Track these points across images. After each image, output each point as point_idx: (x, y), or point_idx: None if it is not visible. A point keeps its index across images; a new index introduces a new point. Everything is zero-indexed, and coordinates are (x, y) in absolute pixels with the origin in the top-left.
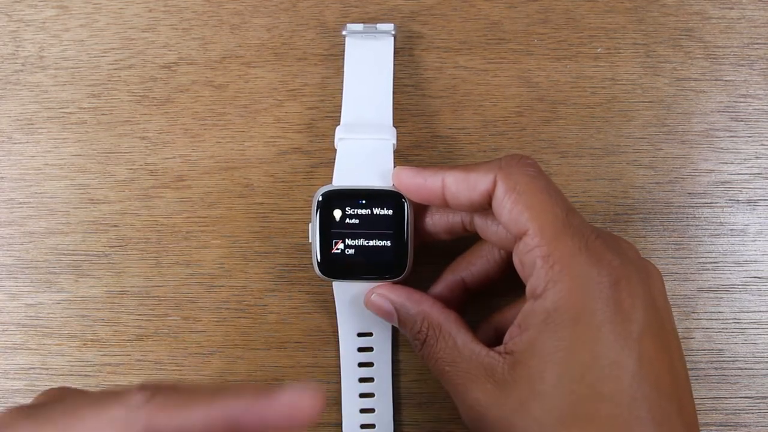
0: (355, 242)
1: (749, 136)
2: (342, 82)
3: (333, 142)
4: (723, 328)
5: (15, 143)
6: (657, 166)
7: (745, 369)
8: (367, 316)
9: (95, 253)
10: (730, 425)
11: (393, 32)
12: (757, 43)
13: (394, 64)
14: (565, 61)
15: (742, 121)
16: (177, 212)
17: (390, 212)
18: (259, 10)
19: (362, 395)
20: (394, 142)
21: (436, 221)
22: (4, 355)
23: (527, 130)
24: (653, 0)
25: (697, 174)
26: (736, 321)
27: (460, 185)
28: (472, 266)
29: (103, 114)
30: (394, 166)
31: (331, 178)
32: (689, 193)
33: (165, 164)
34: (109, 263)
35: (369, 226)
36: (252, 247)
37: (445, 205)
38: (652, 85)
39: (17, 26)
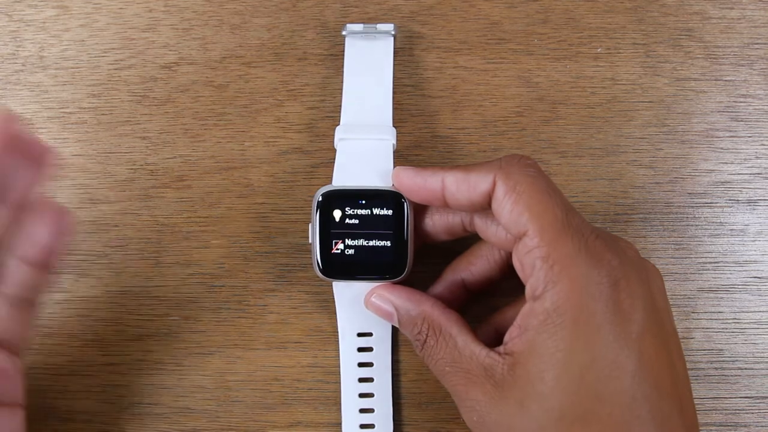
0: (355, 242)
1: (749, 136)
2: (342, 82)
3: (333, 142)
4: (723, 328)
5: None
6: (657, 166)
7: (745, 369)
8: (367, 316)
9: (95, 253)
10: (730, 425)
11: (393, 32)
12: (757, 43)
13: (394, 64)
14: (565, 61)
15: (742, 121)
16: (177, 212)
17: (390, 212)
18: (260, 10)
19: (362, 395)
20: (394, 142)
21: (436, 221)
22: None
23: (527, 130)
24: (653, 0)
25: (697, 174)
26: (736, 321)
27: (460, 185)
28: (472, 266)
29: (103, 114)
30: (394, 167)
31: (331, 178)
32: (689, 193)
33: (165, 164)
34: (110, 263)
35: (369, 227)
36: (252, 247)
37: (444, 205)
38: (652, 85)
39: (17, 26)
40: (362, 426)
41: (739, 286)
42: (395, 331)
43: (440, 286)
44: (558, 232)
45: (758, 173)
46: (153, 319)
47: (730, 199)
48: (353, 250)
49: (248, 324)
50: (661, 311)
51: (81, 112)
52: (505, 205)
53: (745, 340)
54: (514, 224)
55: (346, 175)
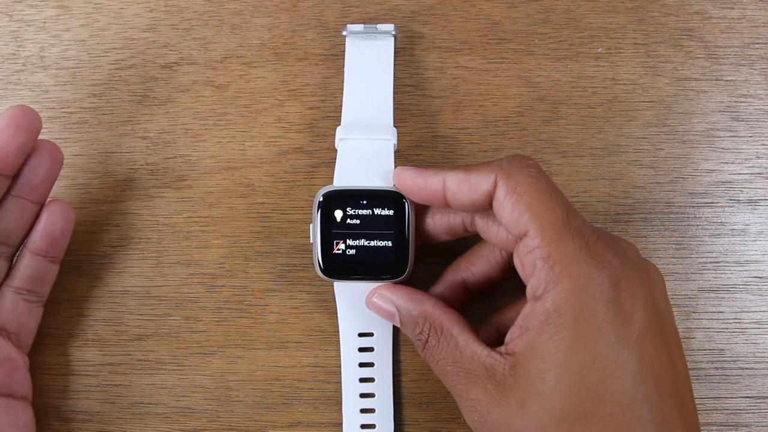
0: (356, 243)
1: (750, 136)
2: (342, 82)
3: (334, 142)
4: (724, 328)
5: None
6: (658, 165)
7: (746, 369)
8: (368, 317)
9: (95, 253)
10: (731, 425)
11: (393, 32)
12: (757, 43)
13: (395, 64)
14: (565, 61)
15: (742, 121)
16: (178, 212)
17: (391, 212)
18: (260, 10)
19: (363, 395)
20: (395, 142)
21: (437, 222)
22: None
23: (528, 130)
24: (654, 0)
25: (697, 174)
26: (737, 321)
27: (460, 186)
28: (473, 266)
29: (104, 114)
30: (395, 167)
31: (332, 178)
32: (690, 193)
33: (166, 164)
34: (110, 263)
35: (370, 227)
36: (253, 246)
37: (445, 205)
38: (652, 85)
39: (18, 26)
40: (363, 426)
41: (740, 286)
42: (396, 332)
43: (441, 286)
44: (559, 232)
45: (759, 173)
46: (153, 319)
47: (730, 199)
48: (354, 251)
49: (249, 324)
50: (662, 312)
51: (82, 112)
52: (506, 205)
53: (746, 340)
54: (514, 224)
55: (347, 176)
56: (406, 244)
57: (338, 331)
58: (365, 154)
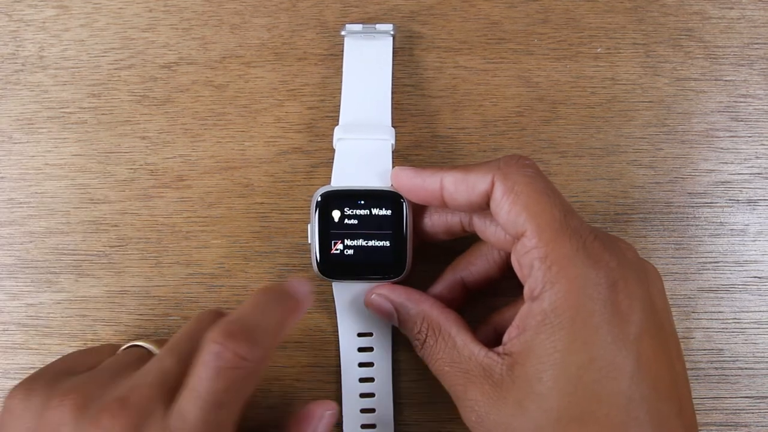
0: (354, 242)
1: (749, 136)
2: (341, 82)
3: (332, 142)
4: (723, 328)
5: (15, 143)
6: (657, 166)
7: (746, 369)
8: (367, 317)
9: (95, 253)
10: (731, 425)
11: (392, 32)
12: (757, 43)
13: (394, 64)
14: (565, 61)
15: (742, 121)
16: (177, 212)
17: (389, 212)
18: (260, 9)
19: (362, 395)
20: (393, 142)
21: (435, 221)
22: (5, 354)
23: (527, 130)
24: (653, 0)
25: (697, 174)
26: (736, 321)
27: (458, 186)
28: (471, 266)
29: (103, 114)
30: (393, 167)
31: (331, 178)
32: (689, 193)
33: (165, 164)
34: (110, 263)
35: (368, 227)
36: (252, 246)
37: (443, 205)
38: (652, 85)
39: (17, 26)
40: (363, 426)
41: (740, 286)
42: (395, 331)
43: (440, 286)
44: (556, 232)
45: (758, 173)
46: (152, 319)
47: (730, 199)
48: (352, 251)
49: None
50: (660, 312)
51: (81, 112)
52: (503, 205)
53: (746, 340)
54: (512, 225)
55: (345, 176)
56: (404, 243)
57: (337, 331)
58: (363, 154)
